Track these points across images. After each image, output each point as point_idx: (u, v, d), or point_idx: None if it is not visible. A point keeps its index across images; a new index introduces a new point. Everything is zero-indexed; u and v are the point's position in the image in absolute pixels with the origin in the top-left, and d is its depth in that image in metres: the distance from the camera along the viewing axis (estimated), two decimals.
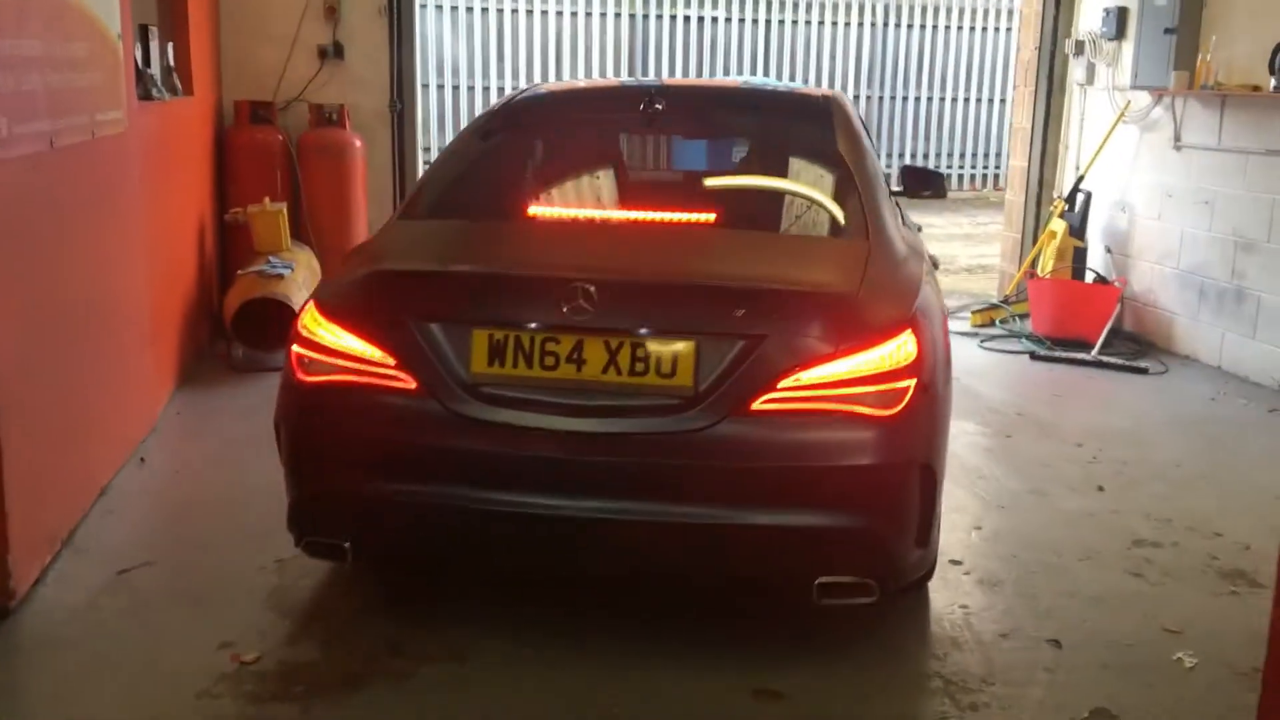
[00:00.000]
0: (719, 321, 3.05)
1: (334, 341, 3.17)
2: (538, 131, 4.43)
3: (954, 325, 7.44)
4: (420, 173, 7.93)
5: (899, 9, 15.31)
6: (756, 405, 2.97)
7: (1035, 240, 8.52)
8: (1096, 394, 6.39)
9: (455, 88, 14.16)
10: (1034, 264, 8.20)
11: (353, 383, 3.14)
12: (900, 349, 3.05)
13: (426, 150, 13.74)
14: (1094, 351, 7.01)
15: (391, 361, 3.10)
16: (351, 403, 3.16)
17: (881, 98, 15.57)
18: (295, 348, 3.23)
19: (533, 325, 3.06)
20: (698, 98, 4.69)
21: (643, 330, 3.03)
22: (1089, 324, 7.29)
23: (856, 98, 15.44)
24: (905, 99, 15.63)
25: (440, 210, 3.82)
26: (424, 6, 12.27)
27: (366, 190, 7.56)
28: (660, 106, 4.06)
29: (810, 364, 2.99)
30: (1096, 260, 7.79)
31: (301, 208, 7.28)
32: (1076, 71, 8.11)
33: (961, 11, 15.57)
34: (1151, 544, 4.24)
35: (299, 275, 6.57)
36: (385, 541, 3.35)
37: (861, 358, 3.01)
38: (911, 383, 3.03)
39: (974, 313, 8.06)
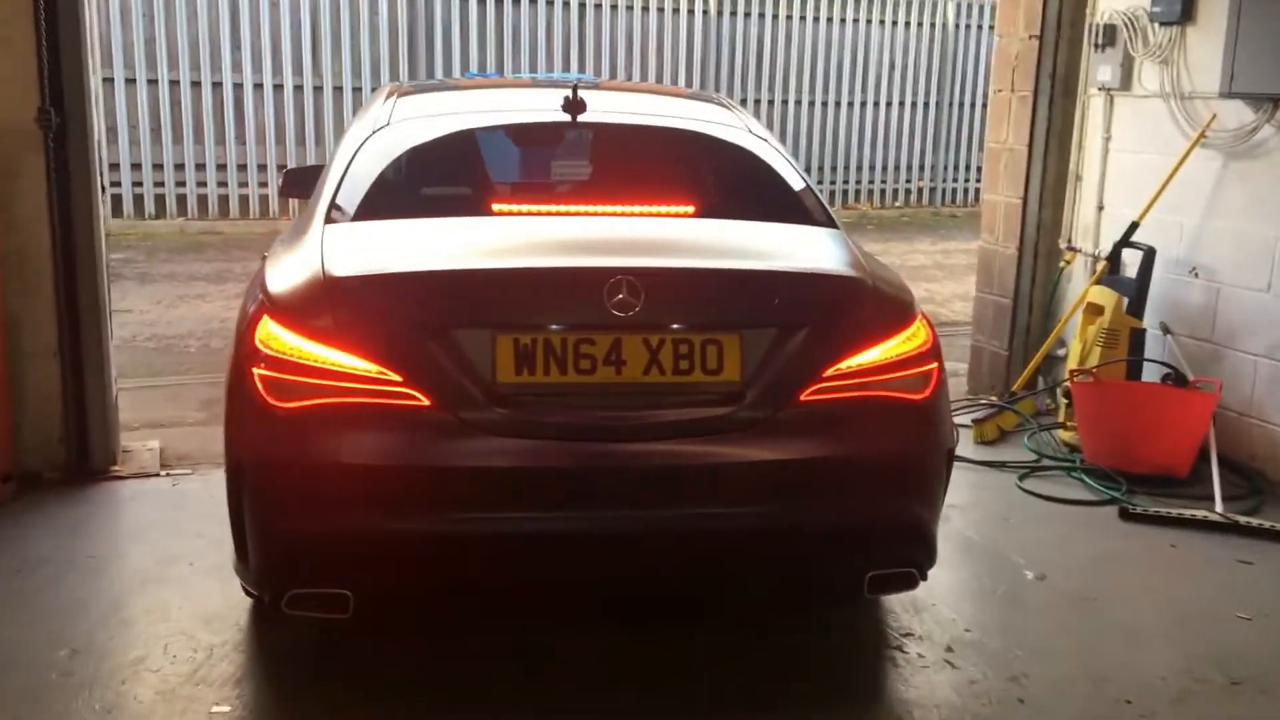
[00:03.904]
0: (761, 311, 3.02)
1: (316, 359, 2.82)
2: (464, 126, 4.09)
3: None
4: (99, 219, 4.65)
5: None
6: (805, 396, 2.93)
7: (1032, 308, 6.06)
8: None
9: (161, 82, 10.56)
10: (1055, 348, 5.73)
11: (348, 405, 2.81)
12: (919, 333, 3.11)
13: (115, 179, 10.22)
14: (1219, 505, 4.53)
15: (397, 377, 2.80)
16: (349, 428, 2.83)
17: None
18: (259, 370, 2.85)
19: (565, 326, 2.88)
20: (627, 98, 4.78)
21: (686, 324, 2.92)
22: (1174, 449, 4.84)
23: None
24: (744, 101, 13.13)
25: (386, 210, 3.43)
26: None
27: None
28: (583, 102, 3.70)
29: (849, 352, 2.98)
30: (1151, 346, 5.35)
31: None
32: (1101, 71, 5.64)
33: (807, 1, 13.23)
34: None
35: None
36: (398, 583, 3.02)
37: (892, 343, 3.03)
38: (934, 366, 3.09)
39: (976, 423, 5.47)
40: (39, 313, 4.56)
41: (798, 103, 13.37)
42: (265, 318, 2.93)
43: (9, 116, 4.36)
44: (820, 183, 13.66)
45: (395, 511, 2.81)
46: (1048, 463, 5.13)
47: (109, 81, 10.36)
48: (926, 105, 14.06)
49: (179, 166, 10.80)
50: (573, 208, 3.57)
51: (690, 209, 3.48)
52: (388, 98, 4.08)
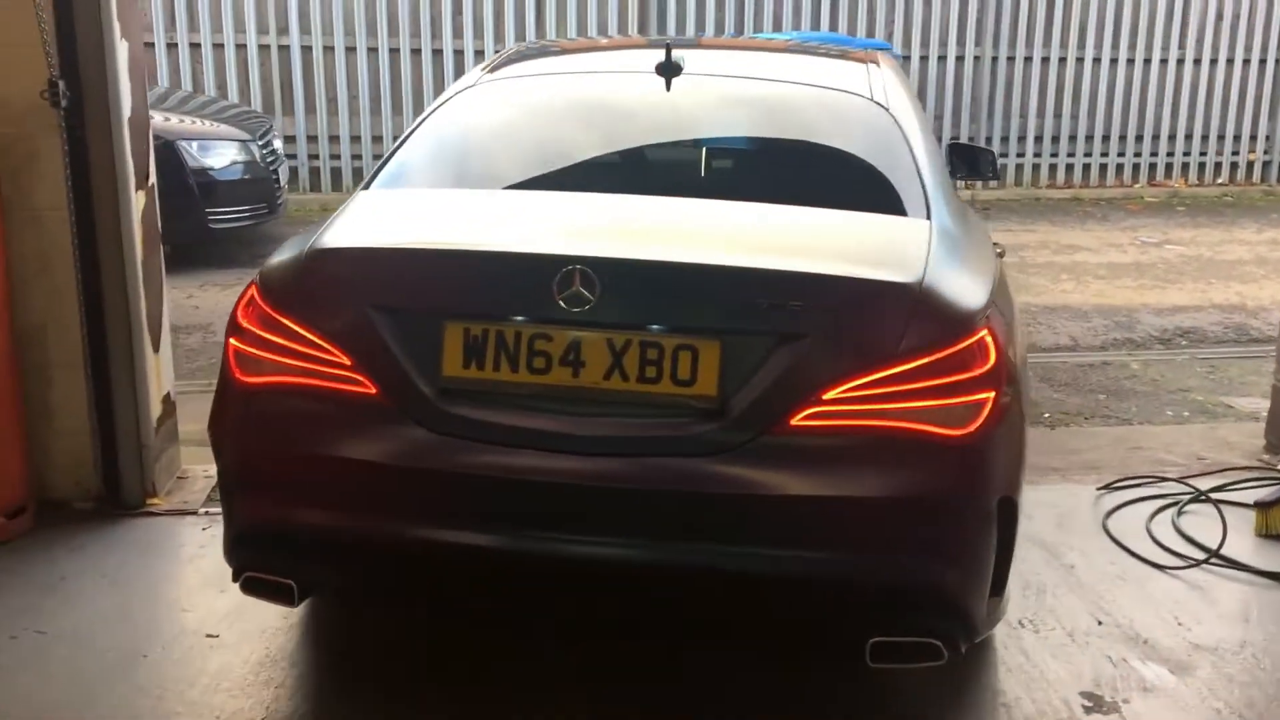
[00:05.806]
0: (751, 315, 2.60)
1: (279, 335, 2.71)
2: (533, 93, 3.87)
3: (1195, 528, 4.01)
4: (130, 214, 3.97)
5: None
6: (797, 421, 2.53)
7: None
8: None
9: (381, 49, 10.11)
10: None
11: (300, 385, 2.70)
12: (975, 352, 2.55)
13: (334, 151, 8.91)
14: None
15: (346, 361, 2.65)
16: (297, 411, 2.72)
17: (996, 58, 11.32)
18: (233, 340, 2.79)
19: (518, 318, 2.62)
20: (720, 52, 4.85)
21: (657, 325, 2.59)
22: None
23: (960, 59, 11.21)
24: (1028, 59, 11.36)
25: (414, 179, 3.36)
26: None
27: (8, 265, 3.69)
28: (679, 65, 3.46)
29: (864, 370, 2.52)
30: None
31: None
32: None
33: None
34: None
35: None
36: (338, 581, 3.00)
37: (927, 362, 2.52)
38: (989, 395, 2.54)
39: (1259, 507, 3.91)
40: (66, 318, 3.96)
41: (1096, 60, 11.40)
42: (253, 287, 2.84)
43: (21, 88, 3.72)
44: (1121, 155, 11.68)
45: (333, 505, 2.70)
46: None
47: (329, 50, 10.07)
48: (1263, 62, 11.69)
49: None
50: (602, 186, 3.24)
51: (738, 190, 3.15)
52: (495, 62, 4.02)
